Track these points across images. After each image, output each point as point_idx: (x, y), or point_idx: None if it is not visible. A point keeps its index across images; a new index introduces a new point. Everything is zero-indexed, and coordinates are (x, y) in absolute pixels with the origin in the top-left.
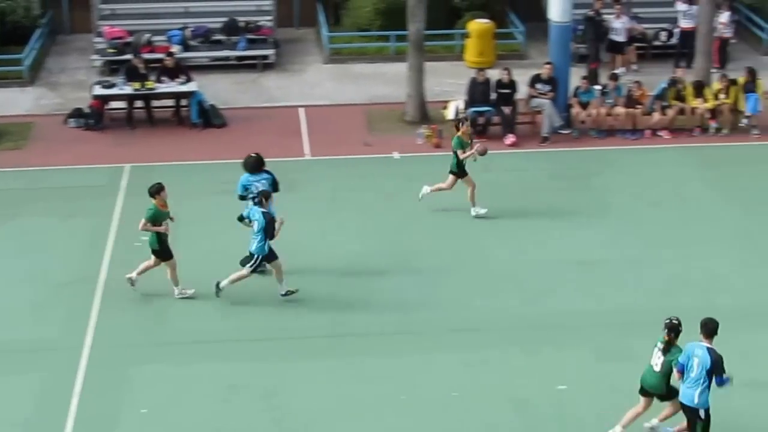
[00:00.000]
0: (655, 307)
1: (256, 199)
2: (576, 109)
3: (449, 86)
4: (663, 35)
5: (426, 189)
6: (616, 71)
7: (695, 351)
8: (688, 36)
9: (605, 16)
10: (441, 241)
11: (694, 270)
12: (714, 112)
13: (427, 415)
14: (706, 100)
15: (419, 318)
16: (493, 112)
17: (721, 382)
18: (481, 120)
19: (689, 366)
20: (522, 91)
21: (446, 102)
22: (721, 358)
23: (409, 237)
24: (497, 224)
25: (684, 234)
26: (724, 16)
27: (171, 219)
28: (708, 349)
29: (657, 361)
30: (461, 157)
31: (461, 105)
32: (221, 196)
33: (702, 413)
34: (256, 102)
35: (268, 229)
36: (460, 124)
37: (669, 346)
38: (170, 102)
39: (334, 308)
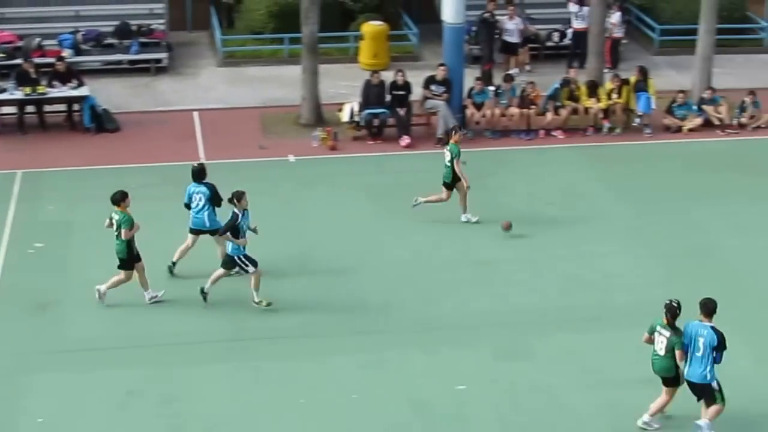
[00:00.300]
0: (552, 306)
1: (231, 200)
2: (470, 110)
3: (344, 88)
4: (555, 36)
5: (419, 199)
6: (509, 72)
7: (699, 331)
8: (580, 37)
9: (498, 18)
10: (339, 244)
11: (590, 268)
12: (607, 112)
13: (327, 418)
14: (599, 100)
15: (318, 320)
16: (387, 113)
17: (720, 359)
18: (376, 122)
19: (695, 346)
20: (416, 92)
21: (341, 104)
22: (724, 335)
23: (306, 239)
24: (394, 226)
25: (579, 233)
26: (615, 17)
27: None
28: (711, 327)
29: (660, 345)
30: (457, 168)
31: (356, 107)
32: None
33: (715, 384)
34: (149, 106)
35: (226, 225)
36: (453, 131)
37: (672, 329)
38: (62, 107)
39: (232, 312)
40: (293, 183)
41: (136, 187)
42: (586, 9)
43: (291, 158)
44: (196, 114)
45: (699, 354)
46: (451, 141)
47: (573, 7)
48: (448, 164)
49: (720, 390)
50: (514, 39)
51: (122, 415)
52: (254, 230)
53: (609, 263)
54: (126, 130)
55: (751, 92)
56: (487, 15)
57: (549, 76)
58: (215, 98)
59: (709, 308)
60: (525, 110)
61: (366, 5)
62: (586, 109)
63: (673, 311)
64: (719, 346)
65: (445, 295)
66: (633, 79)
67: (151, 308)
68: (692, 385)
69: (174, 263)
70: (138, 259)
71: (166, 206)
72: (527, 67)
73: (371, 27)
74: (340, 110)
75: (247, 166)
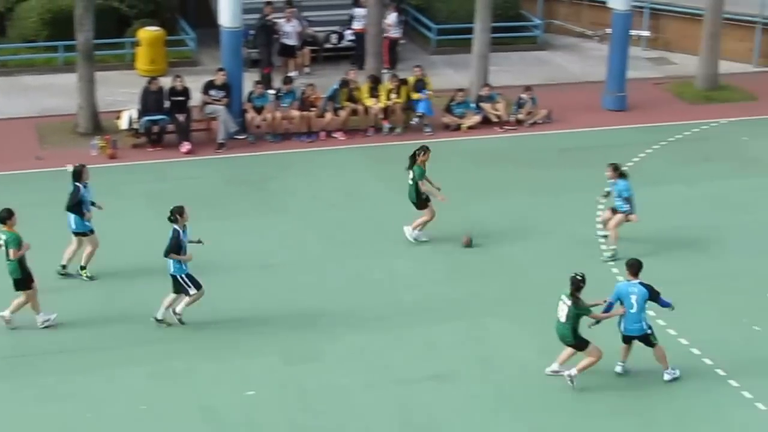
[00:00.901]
0: (339, 307)
1: (172, 216)
2: (251, 114)
3: (121, 96)
4: (334, 38)
5: (408, 230)
6: (289, 75)
7: (629, 289)
8: (360, 37)
9: (276, 20)
10: (119, 253)
11: (375, 268)
12: (386, 112)
13: (115, 431)
14: (380, 100)
15: (102, 332)
16: (167, 120)
17: (666, 304)
18: (155, 129)
19: (628, 304)
20: (196, 98)
21: (119, 112)
22: (651, 285)
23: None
24: None
25: (363, 233)
26: (391, 18)
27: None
28: (639, 283)
29: (561, 313)
30: (422, 189)
31: (134, 114)
32: None
33: (649, 332)
34: None
35: (169, 245)
36: (422, 153)
37: (576, 300)
38: None
39: (13, 327)
40: None
41: None
42: (362, 10)
43: (69, 168)
44: None
45: (633, 310)
46: (417, 162)
47: (353, 9)
48: (411, 182)
49: (653, 334)
50: (292, 41)
51: None
52: (198, 242)
53: (394, 262)
54: None
55: (528, 88)
56: (267, 22)
57: (329, 77)
58: None
59: (635, 268)
60: (305, 113)
61: (141, 11)
62: (366, 110)
63: (576, 283)
64: (653, 295)
65: (232, 301)
66: (412, 79)
67: None
68: (633, 338)
69: (83, 267)
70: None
71: None
72: (306, 70)
73: (147, 33)
74: (118, 118)
75: (23, 178)
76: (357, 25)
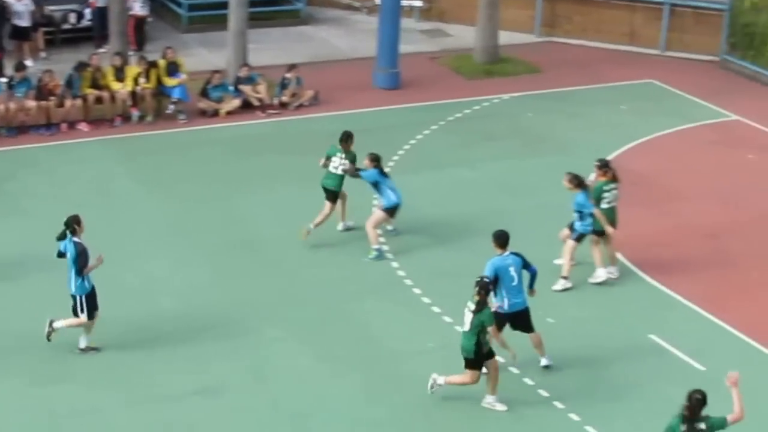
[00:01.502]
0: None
1: (69, 228)
2: None
3: None
4: (72, 17)
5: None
6: (23, 61)
7: (505, 261)
8: (102, 15)
9: (6, 0)
10: None
11: (130, 273)
12: (135, 99)
13: None
14: (127, 84)
15: None
16: None
17: (534, 270)
18: None
19: (509, 278)
20: None
21: None
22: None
23: None
24: None
25: (114, 235)
26: None
27: None
28: (511, 253)
29: (466, 320)
30: (321, 163)
31: None
32: None
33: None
34: None
35: (80, 261)
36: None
37: (481, 306)
38: None
39: None
40: None
41: None
42: None
43: None
44: None
45: (515, 283)
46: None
47: None
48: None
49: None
50: (25, 23)
51: None
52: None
53: (150, 266)
54: None
55: (292, 67)
56: None
57: (68, 63)
58: None
59: (502, 239)
60: (43, 102)
61: None
62: (113, 97)
63: (485, 287)
64: (526, 262)
65: None
66: (162, 62)
67: None
68: (516, 316)
69: None
70: None
71: None
72: (42, 54)
73: None
74: None
75: None
76: (97, 2)
